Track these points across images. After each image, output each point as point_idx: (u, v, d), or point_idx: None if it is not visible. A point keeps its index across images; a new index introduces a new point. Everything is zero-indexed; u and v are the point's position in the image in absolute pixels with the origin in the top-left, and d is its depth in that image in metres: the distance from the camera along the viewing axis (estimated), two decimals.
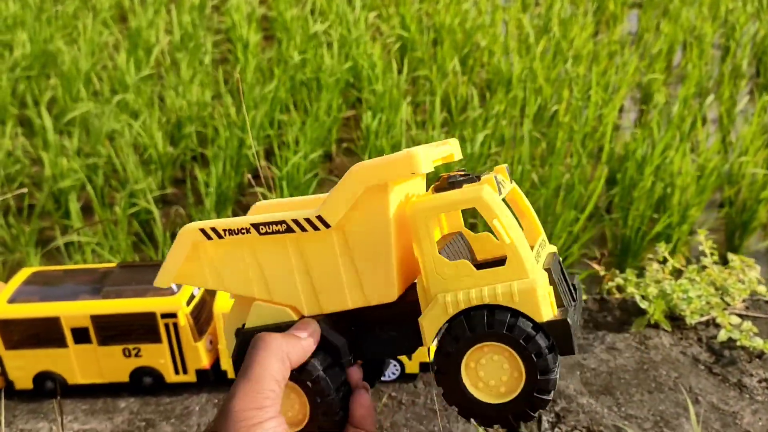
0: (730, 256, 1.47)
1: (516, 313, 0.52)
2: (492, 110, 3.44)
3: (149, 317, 1.21)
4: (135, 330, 1.22)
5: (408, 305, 0.57)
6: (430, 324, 0.54)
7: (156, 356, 1.24)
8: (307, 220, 0.55)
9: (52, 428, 1.22)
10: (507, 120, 3.35)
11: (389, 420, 1.20)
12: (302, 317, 0.58)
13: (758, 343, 1.28)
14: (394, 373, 1.26)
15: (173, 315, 1.20)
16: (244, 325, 0.60)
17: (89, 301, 1.23)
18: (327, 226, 0.55)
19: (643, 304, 1.33)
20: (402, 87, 3.71)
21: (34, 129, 3.41)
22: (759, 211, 2.88)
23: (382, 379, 1.27)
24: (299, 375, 0.55)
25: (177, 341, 1.23)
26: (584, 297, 1.50)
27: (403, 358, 1.24)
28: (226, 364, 1.26)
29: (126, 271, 1.30)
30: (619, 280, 1.53)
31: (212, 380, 1.27)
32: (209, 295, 1.29)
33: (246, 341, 0.57)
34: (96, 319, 1.22)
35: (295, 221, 0.56)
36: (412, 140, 3.33)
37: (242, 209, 3.27)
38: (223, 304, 1.22)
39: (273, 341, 0.54)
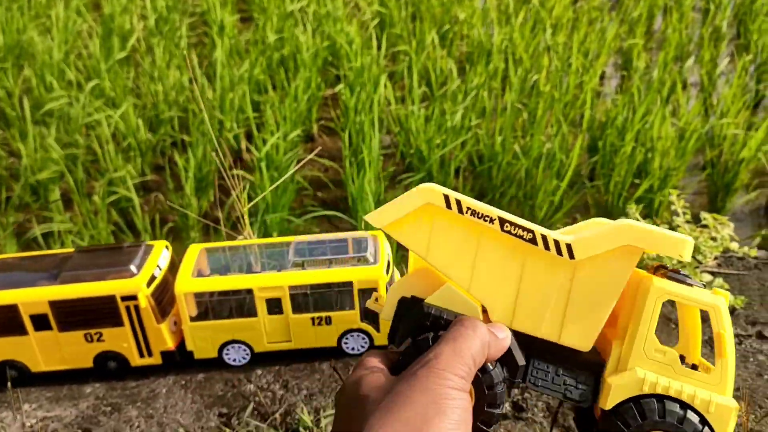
0: (703, 214, 1.45)
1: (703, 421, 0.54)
2: (471, 83, 3.39)
3: (109, 300, 1.18)
4: (95, 314, 1.19)
5: (591, 360, 0.57)
6: (619, 390, 0.55)
7: (119, 340, 1.21)
8: (556, 243, 0.55)
9: (16, 417, 1.19)
10: (487, 91, 3.30)
11: None
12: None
13: (729, 299, 1.26)
14: (362, 346, 1.24)
15: (133, 297, 1.17)
16: (412, 297, 0.59)
17: (47, 287, 1.19)
18: (571, 257, 0.55)
19: None
20: (381, 63, 3.66)
21: (8, 120, 3.36)
22: (740, 172, 2.86)
23: (351, 352, 1.25)
24: (481, 376, 0.54)
25: (140, 324, 1.20)
26: None
27: (369, 328, 1.21)
28: (192, 345, 1.23)
29: (84, 255, 1.26)
30: None
31: (178, 361, 1.25)
32: (171, 275, 1.26)
33: (420, 314, 0.57)
34: (54, 305, 1.18)
35: (544, 237, 0.55)
36: (392, 116, 3.29)
37: (224, 193, 3.23)
38: (184, 284, 1.19)
39: (481, 327, 0.54)
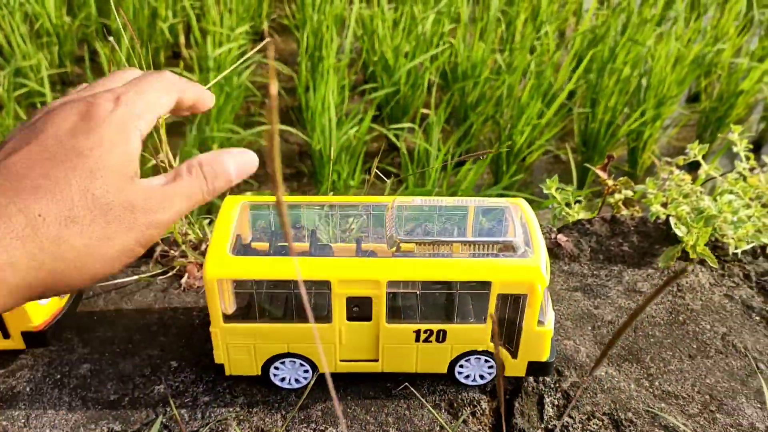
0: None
1: None
2: None
3: None
4: None
5: None
6: None
7: None
8: None
9: None
10: None
11: None
12: None
13: None
14: (483, 377, 0.77)
15: None
16: None
17: None
18: None
19: (679, 230, 0.91)
20: None
21: None
22: (737, 106, 2.49)
23: (465, 382, 0.79)
24: None
25: None
26: (589, 215, 1.07)
27: (501, 351, 0.74)
28: (223, 356, 0.74)
29: None
30: (627, 192, 1.10)
31: (49, 345, 0.81)
32: None
33: None
34: None
35: None
36: (358, 17, 2.76)
37: None
38: (219, 266, 0.69)
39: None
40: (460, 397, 0.78)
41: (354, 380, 0.80)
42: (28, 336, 0.78)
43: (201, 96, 0.61)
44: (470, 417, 0.77)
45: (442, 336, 0.75)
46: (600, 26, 2.66)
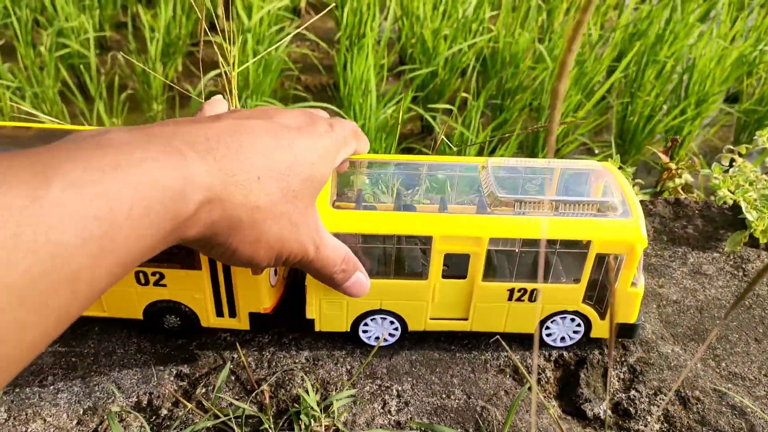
0: None
1: None
2: None
3: None
4: None
5: None
6: None
7: (188, 289, 0.72)
8: None
9: None
10: None
11: None
12: None
13: None
14: (572, 336, 0.77)
15: None
16: None
17: None
18: None
19: (750, 215, 0.90)
20: None
21: None
22: None
23: (553, 344, 0.78)
24: None
25: (225, 270, 0.71)
26: (646, 197, 1.06)
27: (590, 311, 0.74)
28: (315, 312, 0.73)
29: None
30: (687, 177, 1.09)
31: (273, 328, 0.79)
32: None
33: None
34: None
35: None
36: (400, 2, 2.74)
37: (193, 63, 2.68)
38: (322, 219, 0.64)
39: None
40: (524, 363, 0.78)
41: (418, 341, 0.80)
42: (256, 317, 0.77)
43: (365, 149, 0.68)
44: (535, 384, 0.76)
45: (534, 295, 0.74)
46: (642, 19, 2.63)
